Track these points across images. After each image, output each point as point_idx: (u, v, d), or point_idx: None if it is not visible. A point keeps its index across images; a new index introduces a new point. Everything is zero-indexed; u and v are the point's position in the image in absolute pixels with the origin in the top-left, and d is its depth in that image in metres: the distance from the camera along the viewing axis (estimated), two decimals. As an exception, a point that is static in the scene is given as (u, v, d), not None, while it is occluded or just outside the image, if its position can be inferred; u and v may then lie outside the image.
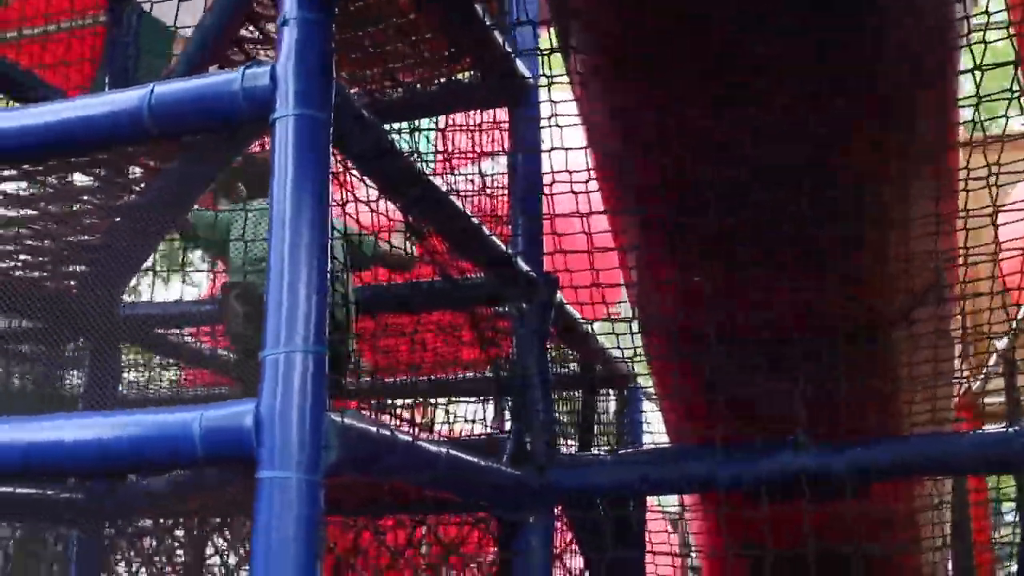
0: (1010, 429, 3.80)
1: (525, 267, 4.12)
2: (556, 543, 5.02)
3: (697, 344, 4.00)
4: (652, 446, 5.93)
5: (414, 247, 4.22)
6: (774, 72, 3.47)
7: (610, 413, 6.05)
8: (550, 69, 4.27)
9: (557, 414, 5.72)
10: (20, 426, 2.59)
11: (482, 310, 4.34)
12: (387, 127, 4.28)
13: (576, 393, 5.56)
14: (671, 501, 6.89)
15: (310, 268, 2.42)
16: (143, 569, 5.63)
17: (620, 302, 5.35)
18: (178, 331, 5.15)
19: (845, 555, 3.81)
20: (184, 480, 3.82)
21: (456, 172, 4.76)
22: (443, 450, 3.09)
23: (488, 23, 3.95)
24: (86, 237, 3.73)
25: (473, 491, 3.60)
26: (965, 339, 5.31)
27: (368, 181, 3.46)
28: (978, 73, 3.60)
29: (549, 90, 4.28)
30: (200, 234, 4.08)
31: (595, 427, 5.75)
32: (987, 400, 6.57)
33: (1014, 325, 5.18)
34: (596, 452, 5.14)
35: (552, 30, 4.20)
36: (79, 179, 3.42)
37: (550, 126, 4.22)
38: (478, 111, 4.67)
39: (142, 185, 3.42)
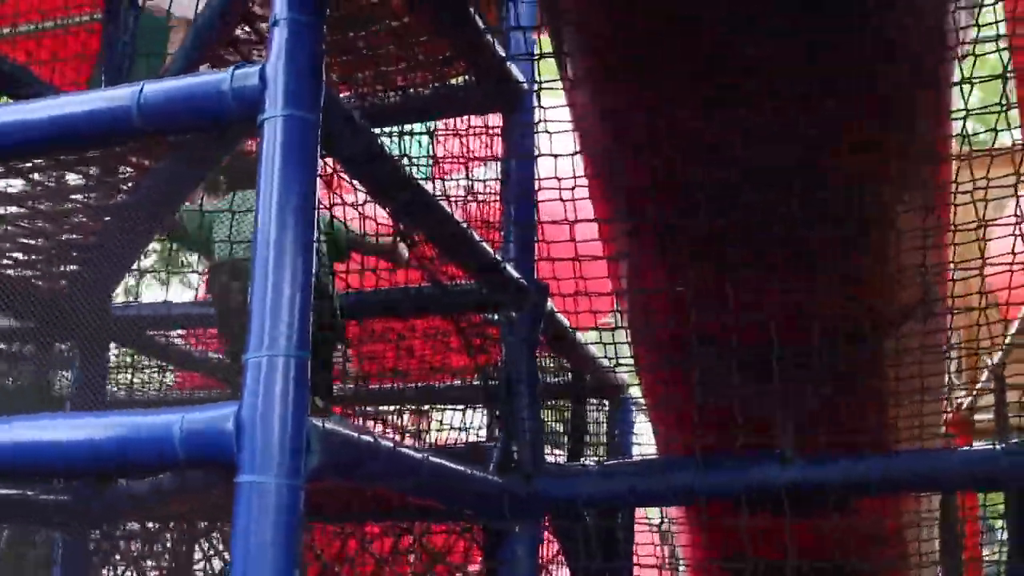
0: (997, 446, 3.79)
1: (515, 274, 4.10)
2: (544, 553, 5.01)
3: (685, 353, 3.98)
4: (641, 457, 5.91)
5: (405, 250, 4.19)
6: (764, 73, 3.46)
7: (602, 423, 6.04)
8: (539, 75, 4.26)
9: (549, 423, 5.72)
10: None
11: (472, 317, 4.31)
12: (384, 131, 4.30)
13: (566, 402, 5.55)
14: (656, 512, 6.86)
15: (295, 271, 2.40)
16: (129, 572, 5.61)
17: (612, 311, 5.32)
18: (167, 333, 5.13)
19: (831, 570, 3.80)
20: (170, 483, 3.79)
21: (450, 177, 4.74)
22: (426, 457, 3.07)
23: (481, 27, 3.94)
24: (75, 236, 3.71)
25: (457, 499, 3.58)
26: (959, 354, 5.30)
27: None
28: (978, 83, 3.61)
29: (539, 96, 4.26)
30: (189, 231, 4.05)
31: (585, 437, 5.74)
32: (981, 417, 6.56)
33: (1006, 341, 5.18)
34: (584, 462, 5.12)
35: (546, 36, 4.19)
36: (69, 177, 3.40)
37: (545, 132, 4.21)
38: (472, 116, 4.66)
39: (131, 184, 3.40)
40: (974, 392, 6.32)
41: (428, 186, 4.26)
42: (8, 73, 3.88)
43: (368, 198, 3.72)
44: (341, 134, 2.81)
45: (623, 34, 3.58)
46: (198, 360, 5.31)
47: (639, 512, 6.05)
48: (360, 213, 3.86)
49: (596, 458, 5.72)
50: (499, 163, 4.51)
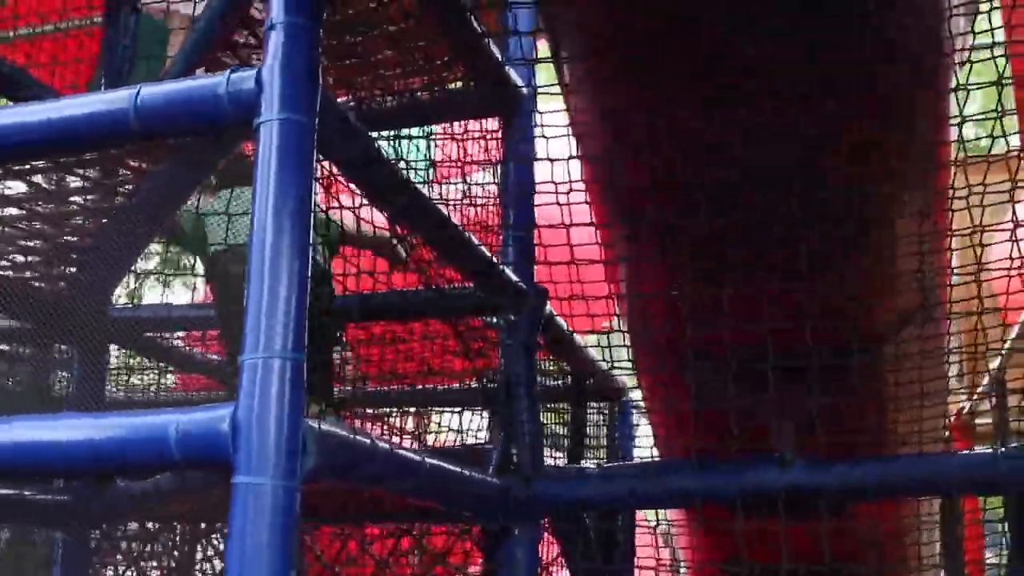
0: (997, 451, 3.79)
1: (514, 278, 4.11)
2: (545, 556, 5.01)
3: (684, 357, 3.99)
4: (640, 460, 5.92)
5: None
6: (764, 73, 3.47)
7: (603, 426, 6.05)
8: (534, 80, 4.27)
9: (551, 426, 5.73)
10: (-5, 426, 2.58)
11: (471, 320, 4.32)
12: (384, 134, 4.31)
13: (567, 405, 5.55)
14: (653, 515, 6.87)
15: (291, 274, 2.41)
16: (130, 572, 5.61)
17: (612, 315, 5.33)
18: (167, 336, 5.15)
19: (831, 573, 3.81)
20: (169, 483, 3.80)
21: (449, 181, 4.75)
22: (424, 459, 3.08)
23: (480, 31, 3.95)
24: (74, 238, 3.72)
25: (456, 500, 3.59)
26: (960, 359, 5.30)
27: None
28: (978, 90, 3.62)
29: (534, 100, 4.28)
30: (186, 231, 4.06)
31: (585, 440, 5.74)
32: (982, 421, 6.56)
33: (1005, 345, 5.18)
34: (583, 465, 5.13)
35: (544, 42, 4.20)
36: (67, 180, 3.41)
37: (542, 136, 4.22)
38: (471, 120, 4.67)
39: (130, 187, 3.41)
40: (974, 397, 6.31)
41: (427, 190, 4.26)
42: (7, 75, 3.89)
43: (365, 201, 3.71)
44: (338, 138, 2.82)
45: (623, 34, 3.59)
46: (198, 362, 5.32)
47: (640, 514, 6.07)
48: (356, 216, 3.85)
49: (597, 461, 5.74)
50: (498, 167, 4.52)
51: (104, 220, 3.55)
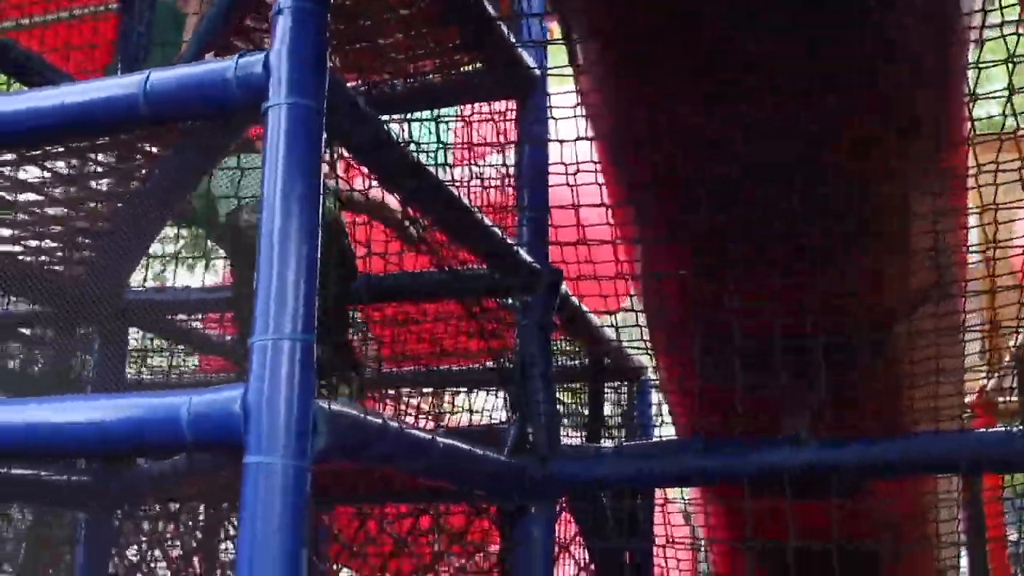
0: (1014, 428, 3.78)
1: (528, 258, 4.13)
2: (564, 535, 5.04)
3: (697, 336, 4.00)
4: (657, 439, 5.92)
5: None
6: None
7: (623, 405, 6.06)
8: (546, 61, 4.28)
9: (572, 406, 5.76)
10: (7, 408, 2.62)
11: (486, 301, 4.34)
12: (394, 118, 4.32)
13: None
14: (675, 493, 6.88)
15: (299, 256, 2.42)
16: (153, 552, 5.67)
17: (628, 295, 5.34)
18: (186, 318, 5.19)
19: (846, 551, 3.81)
20: (188, 463, 3.84)
21: (464, 164, 4.76)
22: (437, 438, 3.10)
23: (493, 13, 3.95)
24: (89, 223, 3.75)
25: (471, 480, 3.61)
26: (982, 336, 5.28)
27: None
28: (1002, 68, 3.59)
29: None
30: (196, 208, 4.07)
31: (604, 419, 5.76)
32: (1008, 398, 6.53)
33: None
34: (600, 444, 5.15)
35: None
36: (81, 165, 3.44)
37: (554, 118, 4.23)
38: (485, 103, 4.68)
39: (143, 172, 3.44)
40: (996, 374, 6.28)
41: (440, 173, 4.27)
42: (21, 60, 3.92)
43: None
44: (345, 121, 2.84)
45: (624, 30, 3.59)
46: (216, 344, 5.36)
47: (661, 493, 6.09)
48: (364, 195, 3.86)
49: (616, 440, 5.75)
50: (512, 148, 4.53)
51: (118, 204, 3.58)
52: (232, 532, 5.87)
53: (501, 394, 5.21)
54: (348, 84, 4.01)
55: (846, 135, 3.69)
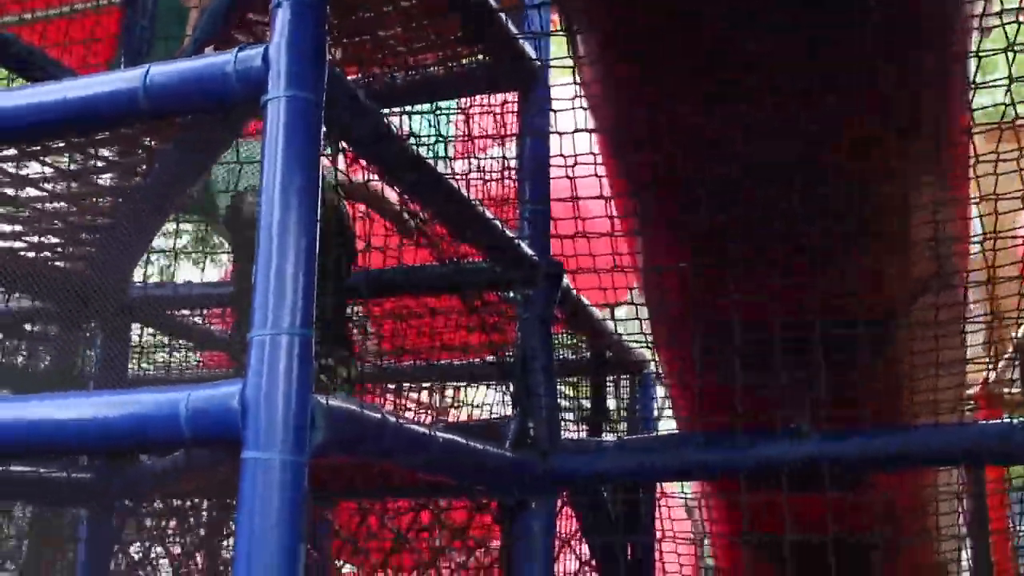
0: (1015, 420, 3.77)
1: (529, 251, 4.12)
2: (566, 529, 5.04)
3: (697, 330, 3.99)
4: (657, 433, 5.92)
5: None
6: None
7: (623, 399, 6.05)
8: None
9: (578, 399, 5.75)
10: (5, 405, 2.62)
11: (487, 295, 4.33)
12: (396, 111, 4.31)
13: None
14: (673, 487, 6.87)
15: (298, 250, 2.42)
16: (156, 549, 5.66)
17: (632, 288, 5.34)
18: (188, 312, 5.18)
19: (847, 544, 3.81)
20: (187, 460, 3.84)
21: (465, 156, 4.76)
22: (436, 433, 3.09)
23: (495, 5, 3.94)
24: (90, 218, 3.75)
25: (471, 475, 3.61)
26: (986, 326, 5.26)
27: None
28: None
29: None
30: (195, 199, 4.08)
31: (606, 412, 5.75)
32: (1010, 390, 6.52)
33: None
34: (602, 438, 5.14)
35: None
36: (79, 159, 3.44)
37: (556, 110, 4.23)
38: (488, 95, 4.67)
39: (144, 167, 3.44)
40: (999, 365, 6.28)
41: (440, 166, 4.27)
42: (23, 55, 3.92)
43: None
44: (345, 114, 2.83)
45: (624, 29, 3.59)
46: (219, 339, 5.36)
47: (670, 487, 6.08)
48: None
49: (619, 434, 5.74)
50: (514, 141, 4.52)
51: (119, 199, 3.58)
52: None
53: (502, 388, 5.22)
54: (349, 77, 4.01)
55: (846, 135, 3.68)
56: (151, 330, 5.82)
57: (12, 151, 3.21)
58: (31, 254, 3.92)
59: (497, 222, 3.90)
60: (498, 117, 4.76)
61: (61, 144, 3.29)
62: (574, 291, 4.71)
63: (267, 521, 2.27)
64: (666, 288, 4.44)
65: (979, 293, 4.57)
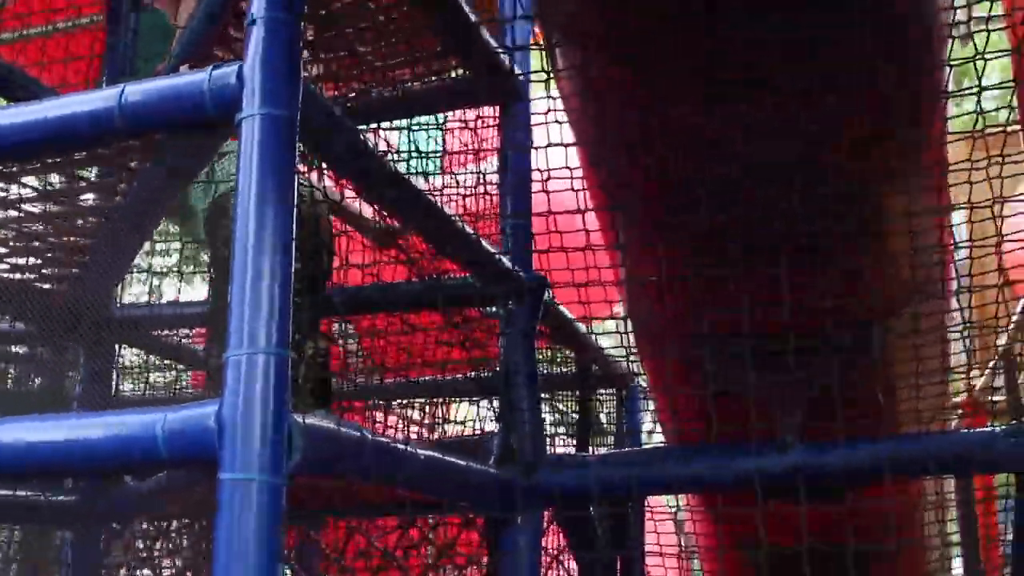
0: (996, 429, 3.77)
1: (512, 266, 4.11)
2: (554, 545, 5.01)
3: (682, 342, 3.99)
4: (643, 447, 5.91)
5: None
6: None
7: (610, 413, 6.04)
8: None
9: (566, 414, 5.73)
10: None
11: (469, 311, 4.32)
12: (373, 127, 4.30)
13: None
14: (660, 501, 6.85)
15: (274, 268, 2.41)
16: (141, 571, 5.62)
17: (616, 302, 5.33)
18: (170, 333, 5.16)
19: (837, 554, 3.80)
20: (167, 481, 3.82)
21: (445, 172, 4.75)
22: (418, 450, 3.08)
23: (475, 19, 3.94)
24: (71, 239, 3.73)
25: (454, 492, 3.59)
26: (972, 335, 5.26)
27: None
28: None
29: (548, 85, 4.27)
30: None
31: (593, 427, 5.73)
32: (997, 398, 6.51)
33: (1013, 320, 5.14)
34: (588, 453, 5.12)
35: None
36: (55, 180, 3.43)
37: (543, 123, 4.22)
38: (467, 109, 4.66)
39: (124, 187, 3.42)
40: (984, 373, 6.28)
41: (423, 182, 4.26)
42: (3, 75, 3.91)
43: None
44: (321, 131, 2.83)
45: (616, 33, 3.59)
46: (202, 359, 5.32)
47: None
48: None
49: (607, 448, 5.72)
50: (496, 156, 4.51)
51: (100, 219, 3.56)
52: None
53: (487, 404, 5.20)
54: (328, 94, 4.00)
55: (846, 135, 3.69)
56: (136, 351, 5.79)
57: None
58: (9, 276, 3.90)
59: (478, 237, 3.89)
60: (477, 132, 4.75)
61: (37, 165, 3.28)
62: (559, 305, 4.70)
63: (244, 541, 2.25)
64: (649, 300, 4.43)
65: (965, 301, 4.57)
